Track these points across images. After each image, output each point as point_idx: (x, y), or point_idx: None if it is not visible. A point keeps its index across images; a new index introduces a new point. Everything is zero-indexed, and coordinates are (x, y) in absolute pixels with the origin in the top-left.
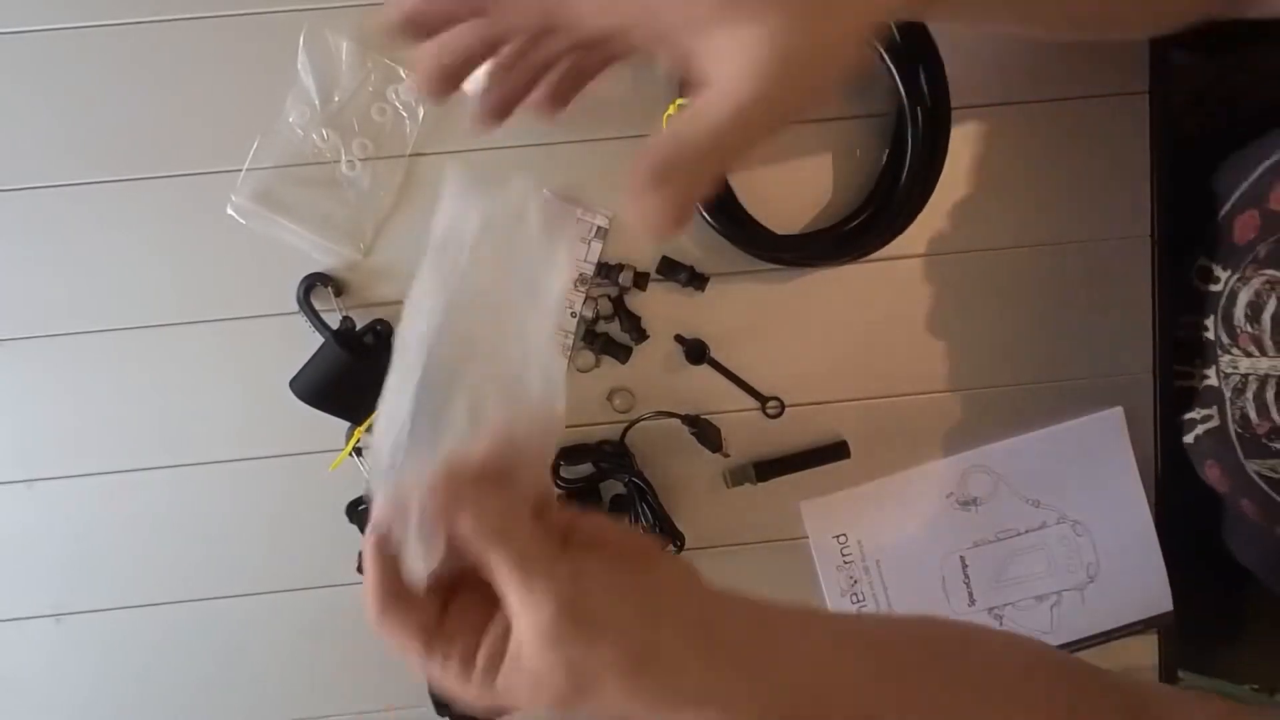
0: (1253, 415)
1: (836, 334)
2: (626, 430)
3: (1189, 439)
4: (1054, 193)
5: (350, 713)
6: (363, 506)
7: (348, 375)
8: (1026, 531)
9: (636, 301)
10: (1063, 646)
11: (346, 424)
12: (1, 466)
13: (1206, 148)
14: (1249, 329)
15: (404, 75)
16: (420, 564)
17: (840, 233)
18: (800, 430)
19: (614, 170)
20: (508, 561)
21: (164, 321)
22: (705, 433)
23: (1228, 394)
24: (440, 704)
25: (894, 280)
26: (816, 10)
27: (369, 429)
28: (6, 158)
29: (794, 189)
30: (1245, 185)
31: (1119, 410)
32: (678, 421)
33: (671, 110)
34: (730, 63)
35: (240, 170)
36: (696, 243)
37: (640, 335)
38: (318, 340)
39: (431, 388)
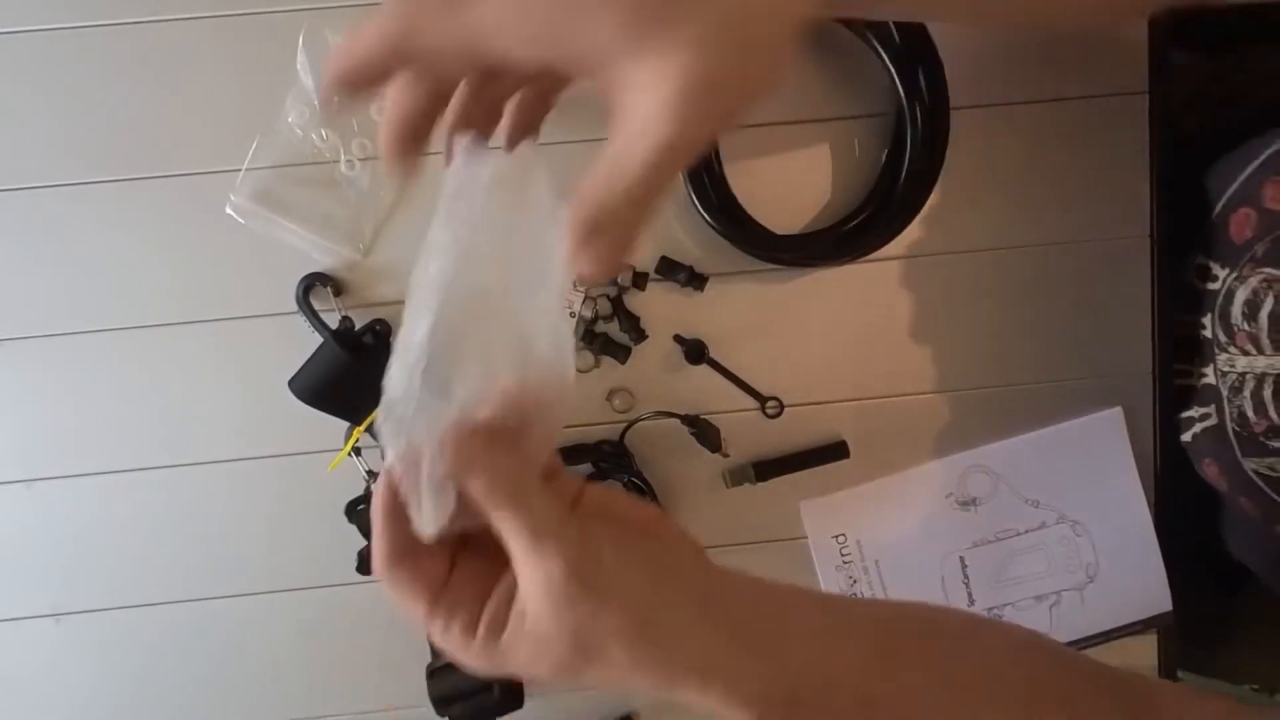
0: (1250, 413)
1: (836, 334)
2: (626, 430)
3: (1187, 437)
4: (1054, 192)
5: (350, 713)
6: (361, 507)
7: (347, 375)
8: (1026, 531)
9: (635, 301)
10: None
11: (345, 424)
12: (1, 466)
13: (1205, 147)
14: (1246, 327)
15: None
16: (430, 521)
17: (840, 233)
18: (800, 430)
19: None
20: (517, 522)
21: (163, 321)
22: (705, 433)
23: (1225, 392)
24: (440, 704)
25: (893, 280)
26: (731, 28)
27: (368, 429)
28: (6, 158)
29: (793, 189)
30: (1236, 183)
31: (1118, 410)
32: (677, 421)
33: None
34: (644, 94)
35: (239, 170)
36: (696, 243)
37: (639, 335)
38: (317, 340)
39: (443, 338)
